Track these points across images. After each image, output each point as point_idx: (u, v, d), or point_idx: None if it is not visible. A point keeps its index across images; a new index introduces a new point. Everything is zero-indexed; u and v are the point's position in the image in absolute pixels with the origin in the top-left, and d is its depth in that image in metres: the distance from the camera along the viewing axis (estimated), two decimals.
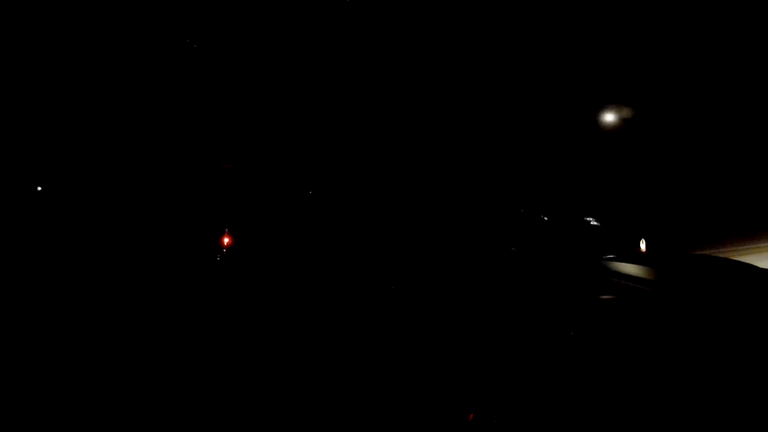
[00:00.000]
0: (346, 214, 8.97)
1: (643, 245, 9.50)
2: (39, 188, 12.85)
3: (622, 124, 16.73)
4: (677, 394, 2.65)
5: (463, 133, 14.35)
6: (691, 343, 2.89)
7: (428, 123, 13.92)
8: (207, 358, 5.06)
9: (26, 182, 12.84)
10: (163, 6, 13.00)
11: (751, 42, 17.42)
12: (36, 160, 13.32)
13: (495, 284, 4.31)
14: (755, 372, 2.69)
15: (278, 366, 4.73)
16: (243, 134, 13.66)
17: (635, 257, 4.38)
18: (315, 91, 13.90)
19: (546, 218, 8.92)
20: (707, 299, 3.18)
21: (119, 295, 7.18)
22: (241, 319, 6.18)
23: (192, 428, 3.86)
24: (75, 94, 13.62)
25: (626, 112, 16.66)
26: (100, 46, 13.33)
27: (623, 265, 3.93)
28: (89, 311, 6.58)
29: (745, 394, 2.61)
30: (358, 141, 13.44)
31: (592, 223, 9.02)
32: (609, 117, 16.20)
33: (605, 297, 3.26)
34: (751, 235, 13.12)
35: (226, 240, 7.60)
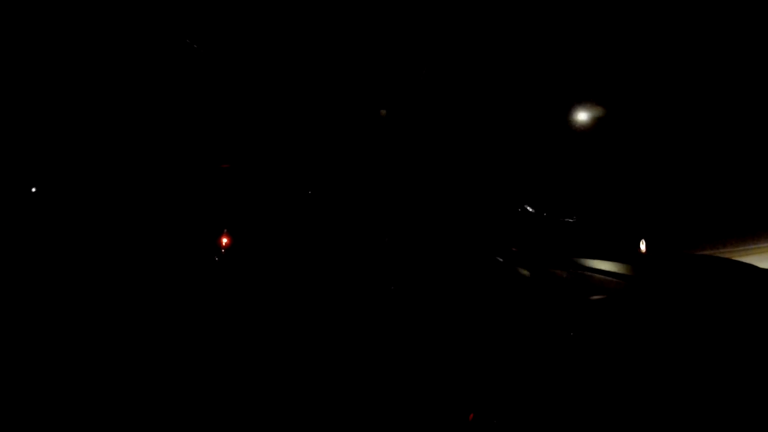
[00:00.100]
0: (346, 214, 8.96)
1: (643, 245, 9.49)
2: (33, 189, 12.80)
3: (622, 123, 16.72)
4: (677, 395, 2.65)
5: (461, 132, 14.35)
6: (690, 343, 2.89)
7: (427, 122, 13.94)
8: (206, 358, 5.06)
9: (21, 183, 12.79)
10: (161, 5, 13.01)
11: (751, 42, 17.42)
12: (30, 161, 13.27)
13: (493, 285, 4.31)
14: (755, 372, 2.69)
15: (278, 366, 4.73)
16: (242, 134, 13.67)
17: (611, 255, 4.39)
18: (314, 90, 13.91)
19: (543, 216, 8.91)
20: (702, 298, 3.18)
21: (116, 296, 7.16)
22: (240, 319, 6.17)
23: (191, 428, 3.86)
24: (71, 92, 13.60)
25: (625, 111, 16.65)
26: (97, 45, 13.31)
27: (596, 262, 3.97)
28: (86, 312, 6.56)
29: (746, 393, 2.61)
30: (357, 140, 13.45)
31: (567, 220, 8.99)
32: (609, 116, 16.19)
33: (595, 297, 3.27)
34: (751, 235, 13.10)
35: (224, 240, 7.58)
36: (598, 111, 16.19)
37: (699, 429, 2.57)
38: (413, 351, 4.10)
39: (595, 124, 16.29)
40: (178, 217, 8.46)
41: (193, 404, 4.13)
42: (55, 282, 7.77)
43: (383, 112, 12.49)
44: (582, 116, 16.13)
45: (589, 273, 3.73)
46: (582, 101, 16.06)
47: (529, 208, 8.97)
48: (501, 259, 5.32)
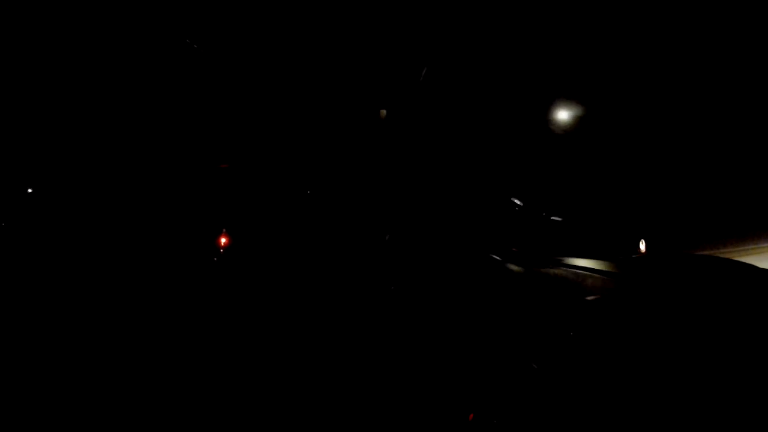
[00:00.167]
0: (345, 214, 8.96)
1: (642, 245, 9.49)
2: (30, 190, 12.74)
3: (621, 122, 16.71)
4: (677, 395, 2.65)
5: (459, 131, 14.33)
6: (689, 343, 2.89)
7: (426, 121, 13.93)
8: (204, 359, 5.05)
9: (15, 184, 12.72)
10: (159, 5, 12.98)
11: (751, 42, 17.41)
12: (27, 161, 13.20)
13: (492, 285, 4.31)
14: (755, 372, 2.69)
15: (277, 366, 4.73)
16: (241, 134, 13.65)
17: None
18: (313, 90, 13.90)
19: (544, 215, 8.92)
20: (702, 298, 3.18)
21: (115, 295, 7.15)
22: (239, 319, 6.17)
23: (190, 429, 3.85)
24: (68, 92, 13.56)
25: (623, 109, 16.63)
26: (93, 44, 13.27)
27: (581, 261, 3.98)
28: (84, 312, 6.56)
29: (746, 394, 2.60)
30: (356, 139, 13.43)
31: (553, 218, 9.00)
32: (607, 116, 16.17)
33: (590, 298, 3.27)
34: (751, 235, 13.10)
35: (223, 240, 7.59)
36: (595, 109, 16.17)
37: (699, 429, 2.57)
38: (413, 351, 4.10)
39: (594, 122, 16.27)
40: (177, 217, 8.46)
41: (192, 403, 4.13)
42: (53, 282, 7.76)
43: (383, 112, 12.48)
44: (580, 114, 16.11)
45: (582, 272, 3.73)
46: (577, 99, 16.05)
47: (516, 201, 8.96)
48: (498, 258, 5.32)
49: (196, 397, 4.22)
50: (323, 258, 7.57)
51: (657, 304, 3.15)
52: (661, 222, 13.27)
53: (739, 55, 17.46)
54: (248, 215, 8.11)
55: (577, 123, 16.30)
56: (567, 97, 16.07)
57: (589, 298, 3.23)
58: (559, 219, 8.99)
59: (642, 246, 9.40)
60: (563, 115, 16.08)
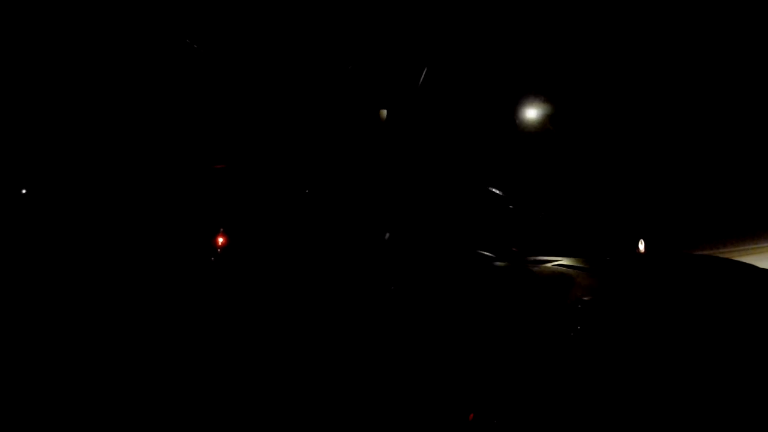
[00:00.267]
0: (344, 213, 8.96)
1: (641, 245, 9.50)
2: (24, 191, 12.68)
3: (621, 122, 16.71)
4: (677, 395, 2.65)
5: (458, 129, 14.34)
6: (689, 343, 2.89)
7: (425, 120, 13.92)
8: (202, 360, 5.04)
9: (10, 184, 12.67)
10: (156, 4, 12.97)
11: (752, 41, 17.41)
12: (20, 161, 13.15)
13: (494, 284, 4.31)
14: (756, 372, 2.69)
15: (276, 367, 4.72)
16: (238, 133, 13.63)
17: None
18: (311, 89, 13.90)
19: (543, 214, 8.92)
20: (701, 298, 3.18)
21: (109, 298, 7.12)
22: (237, 320, 6.15)
23: (188, 429, 3.85)
24: (62, 91, 13.52)
25: (624, 109, 16.63)
26: (89, 43, 13.24)
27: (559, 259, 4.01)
28: (78, 315, 6.53)
29: (746, 394, 2.61)
30: (355, 138, 13.43)
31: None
32: (606, 115, 16.18)
33: (586, 298, 3.27)
34: (751, 235, 13.11)
35: (220, 240, 7.57)
36: (594, 108, 16.18)
37: (699, 429, 2.57)
38: (413, 350, 4.09)
39: (594, 120, 16.28)
40: (172, 217, 8.45)
41: (188, 407, 4.12)
42: (47, 283, 7.73)
43: (383, 112, 12.48)
44: (579, 112, 16.11)
45: (580, 271, 3.74)
46: (575, 97, 16.06)
47: (495, 191, 8.95)
48: (497, 257, 5.32)
49: (195, 398, 4.22)
50: (322, 258, 7.56)
51: (654, 303, 3.15)
52: (661, 221, 13.28)
53: (740, 55, 17.45)
54: (246, 215, 8.09)
55: (576, 121, 16.30)
56: (565, 95, 16.07)
57: (585, 298, 3.23)
58: (558, 218, 8.99)
59: (641, 246, 9.41)
60: (561, 113, 16.08)
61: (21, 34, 12.99)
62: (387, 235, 7.91)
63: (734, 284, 3.38)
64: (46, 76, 13.44)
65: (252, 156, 12.91)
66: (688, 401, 2.62)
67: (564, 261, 4.14)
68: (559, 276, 3.91)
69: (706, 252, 10.51)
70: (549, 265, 4.19)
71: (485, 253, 5.67)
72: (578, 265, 4.03)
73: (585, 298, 3.19)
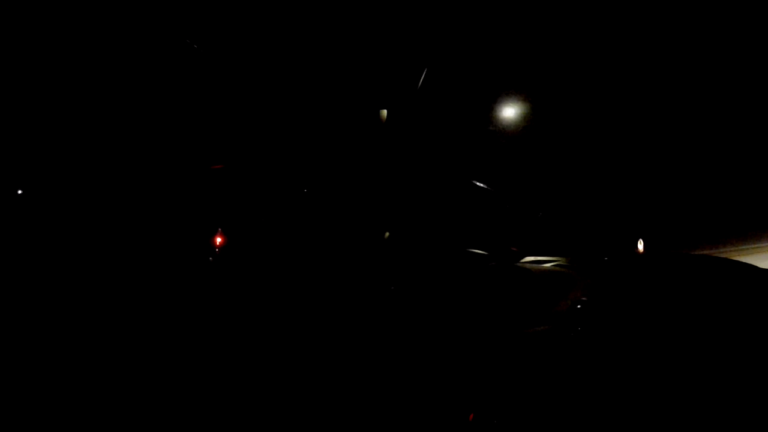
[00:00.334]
0: (343, 212, 8.95)
1: (640, 245, 9.48)
2: (20, 191, 12.62)
3: (621, 121, 16.71)
4: (678, 395, 2.65)
5: (458, 130, 14.34)
6: (689, 343, 2.88)
7: (425, 119, 13.92)
8: (201, 360, 5.04)
9: (5, 184, 12.59)
10: (153, 4, 12.94)
11: (752, 41, 17.41)
12: (17, 161, 13.08)
13: (494, 284, 4.30)
14: (756, 371, 2.68)
15: (275, 368, 4.72)
16: (237, 133, 13.61)
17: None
18: (309, 89, 13.88)
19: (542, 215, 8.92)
20: (701, 298, 3.18)
21: (109, 297, 7.11)
22: (235, 320, 6.15)
23: (185, 429, 3.84)
24: (61, 92, 13.47)
25: (625, 109, 16.63)
26: (87, 44, 13.20)
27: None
28: (77, 315, 6.52)
29: (746, 392, 2.60)
30: (354, 137, 13.42)
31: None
32: (606, 115, 16.18)
33: (584, 298, 3.27)
34: (751, 235, 13.11)
35: (218, 240, 7.55)
36: (594, 108, 16.18)
37: (699, 429, 2.57)
38: (413, 351, 4.09)
39: (594, 120, 16.28)
40: (171, 217, 8.43)
41: (186, 406, 4.11)
42: (45, 283, 7.71)
43: (383, 112, 12.47)
44: (579, 113, 16.11)
45: (577, 271, 3.74)
46: (576, 99, 16.06)
47: (479, 184, 8.93)
48: (496, 257, 5.32)
49: (192, 399, 4.21)
50: (321, 257, 7.55)
51: (653, 303, 3.15)
52: (660, 221, 13.27)
53: (739, 57, 17.44)
54: (244, 215, 8.07)
55: (576, 121, 16.29)
56: (566, 97, 16.06)
57: (583, 298, 3.23)
58: (557, 218, 8.98)
59: (640, 246, 9.39)
60: (561, 113, 16.07)
61: (20, 34, 12.96)
62: (386, 234, 7.90)
63: (734, 284, 3.38)
64: (44, 77, 13.42)
65: (250, 157, 12.91)
66: (688, 401, 2.62)
67: (563, 261, 4.14)
68: (558, 276, 3.91)
69: (706, 252, 10.50)
70: (548, 264, 4.19)
71: (485, 252, 5.67)
72: (577, 265, 4.03)
73: (583, 298, 3.19)
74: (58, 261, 8.65)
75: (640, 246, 9.45)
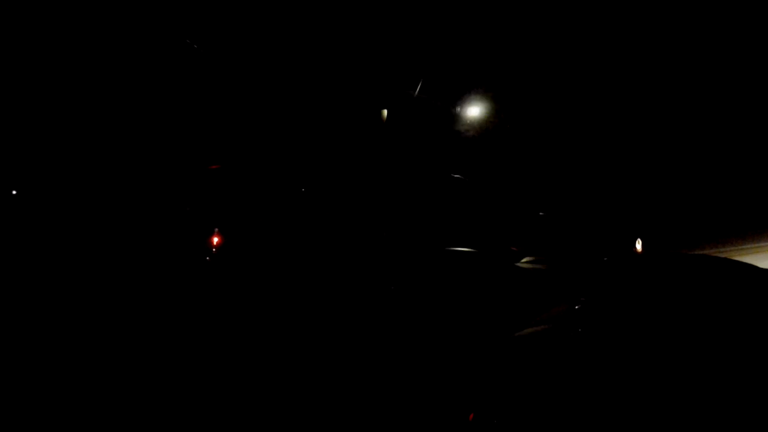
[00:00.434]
0: (343, 212, 8.93)
1: (639, 245, 9.46)
2: (14, 192, 12.57)
3: (621, 122, 16.72)
4: (678, 395, 2.65)
5: (457, 130, 14.36)
6: (688, 343, 2.89)
7: (427, 118, 13.93)
8: (198, 361, 5.03)
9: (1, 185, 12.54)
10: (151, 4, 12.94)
11: (752, 41, 17.41)
12: (11, 162, 13.05)
13: (494, 284, 4.30)
14: (756, 371, 2.69)
15: (274, 369, 4.72)
16: (232, 133, 13.61)
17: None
18: (307, 89, 13.89)
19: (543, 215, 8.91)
20: (700, 298, 3.18)
21: (104, 298, 7.10)
22: (232, 320, 6.13)
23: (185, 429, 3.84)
24: (55, 91, 13.45)
25: (625, 110, 16.64)
26: (83, 45, 13.19)
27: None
28: (72, 315, 6.50)
29: (746, 392, 2.60)
30: (354, 136, 13.42)
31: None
32: (606, 115, 16.19)
33: (582, 298, 3.27)
34: (751, 235, 13.11)
35: (215, 239, 7.53)
36: (593, 108, 16.19)
37: (699, 429, 2.57)
38: (413, 351, 4.09)
39: (593, 120, 16.29)
40: (168, 217, 8.41)
41: (185, 405, 4.11)
42: (39, 285, 7.70)
43: (384, 112, 12.48)
44: (581, 118, 16.13)
45: (576, 271, 3.74)
46: (574, 99, 16.06)
47: (457, 176, 8.91)
48: (495, 257, 5.32)
49: (190, 398, 4.21)
50: (320, 257, 7.53)
51: (652, 304, 3.15)
52: (660, 221, 13.27)
53: (737, 55, 17.44)
54: (241, 215, 8.05)
55: (575, 121, 16.29)
56: (566, 97, 16.07)
57: (582, 298, 3.23)
58: (557, 218, 8.97)
59: (638, 245, 9.38)
60: (561, 113, 16.08)
61: (19, 34, 12.94)
62: (386, 233, 7.89)
63: (733, 284, 3.38)
64: (42, 77, 13.39)
65: (248, 156, 12.90)
66: (688, 401, 2.62)
67: (562, 261, 4.14)
68: (557, 275, 3.91)
69: (706, 252, 10.50)
70: (547, 264, 4.19)
71: (485, 252, 5.67)
72: (576, 264, 4.03)
73: (582, 298, 3.19)
74: (53, 261, 8.64)
75: (639, 245, 9.43)
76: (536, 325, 3.26)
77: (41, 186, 12.51)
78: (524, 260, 4.53)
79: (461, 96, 13.85)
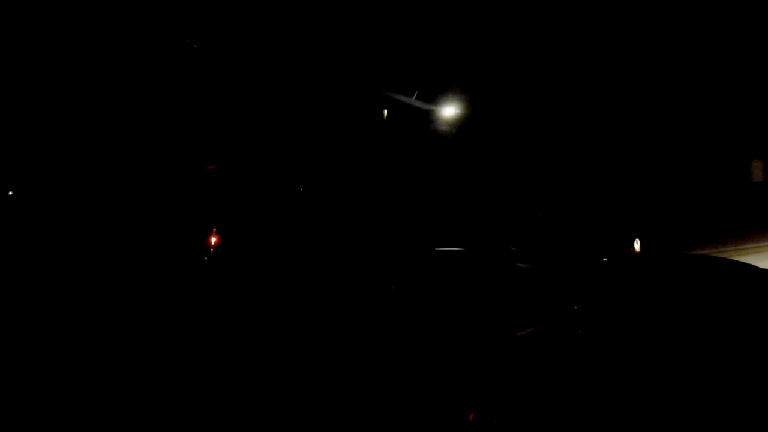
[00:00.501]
0: (342, 211, 8.93)
1: (637, 245, 9.45)
2: (11, 192, 12.54)
3: (622, 123, 16.71)
4: (678, 395, 2.65)
5: (457, 131, 14.35)
6: (688, 343, 2.88)
7: (427, 119, 13.93)
8: (196, 359, 5.03)
9: None
10: (150, 5, 12.92)
11: (753, 42, 17.40)
12: (8, 162, 13.01)
13: (494, 284, 4.31)
14: (756, 370, 2.68)
15: (273, 367, 4.71)
16: (231, 133, 13.60)
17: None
18: (306, 89, 13.88)
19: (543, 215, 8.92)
20: (700, 298, 3.18)
21: (104, 297, 7.10)
22: (231, 320, 6.13)
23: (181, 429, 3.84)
24: (54, 92, 13.43)
25: (627, 111, 16.64)
26: (81, 45, 13.16)
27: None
28: (70, 314, 6.50)
29: (746, 392, 2.60)
30: (354, 136, 13.42)
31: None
32: (606, 115, 16.19)
33: (582, 298, 3.27)
34: (751, 235, 13.10)
35: (213, 239, 7.53)
36: (593, 108, 16.18)
37: (699, 429, 2.57)
38: (413, 351, 4.09)
39: (593, 120, 16.28)
40: (166, 217, 8.41)
41: (183, 405, 4.10)
42: (38, 284, 7.69)
43: (384, 112, 12.47)
44: (581, 120, 16.13)
45: (575, 271, 3.74)
46: (574, 97, 16.05)
47: (457, 176, 8.91)
48: (495, 256, 5.32)
49: (189, 398, 4.20)
50: (318, 257, 7.54)
51: (650, 304, 3.15)
52: (660, 221, 13.26)
53: (737, 54, 17.43)
54: (239, 215, 8.05)
55: (575, 122, 16.29)
56: (565, 98, 16.06)
57: (581, 298, 3.23)
58: (556, 218, 8.97)
59: (636, 246, 9.37)
60: (561, 114, 16.07)
61: (18, 34, 12.92)
62: (385, 233, 7.89)
63: (733, 284, 3.38)
64: (39, 77, 13.36)
65: (246, 156, 12.90)
66: (688, 401, 2.62)
67: (561, 261, 4.14)
68: (557, 276, 3.91)
69: (705, 252, 10.49)
70: (547, 264, 4.19)
71: (485, 252, 5.67)
72: (575, 264, 4.03)
73: (582, 299, 3.19)
74: (52, 262, 8.63)
75: (637, 246, 9.42)
76: (536, 325, 3.26)
77: (38, 187, 12.49)
78: (524, 260, 4.53)
79: (461, 97, 13.85)
